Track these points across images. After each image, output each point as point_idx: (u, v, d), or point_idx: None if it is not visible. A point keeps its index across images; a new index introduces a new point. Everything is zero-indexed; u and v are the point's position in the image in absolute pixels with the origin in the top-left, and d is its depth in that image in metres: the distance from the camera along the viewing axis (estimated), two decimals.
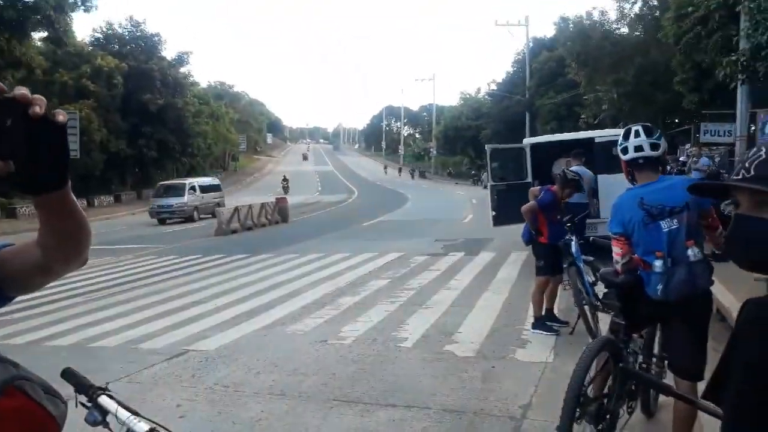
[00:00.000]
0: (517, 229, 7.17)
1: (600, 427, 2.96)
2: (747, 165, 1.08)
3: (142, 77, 37.23)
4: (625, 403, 3.23)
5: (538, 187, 7.30)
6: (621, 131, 3.47)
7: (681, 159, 15.26)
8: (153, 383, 5.00)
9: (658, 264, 3.00)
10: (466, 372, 4.90)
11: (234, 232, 18.71)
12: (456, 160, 60.12)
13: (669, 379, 3.30)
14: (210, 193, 26.95)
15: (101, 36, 40.14)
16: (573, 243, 5.81)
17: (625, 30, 22.15)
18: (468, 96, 56.88)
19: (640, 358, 3.48)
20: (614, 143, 3.92)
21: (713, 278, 3.08)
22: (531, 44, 38.26)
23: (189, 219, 24.63)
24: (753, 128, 13.66)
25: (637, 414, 3.52)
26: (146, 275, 11.15)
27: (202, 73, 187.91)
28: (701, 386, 2.89)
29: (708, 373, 1.64)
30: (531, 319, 6.10)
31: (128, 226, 23.86)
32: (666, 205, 3.01)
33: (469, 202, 27.65)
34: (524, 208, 6.05)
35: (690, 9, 13.56)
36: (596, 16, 22.34)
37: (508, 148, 12.28)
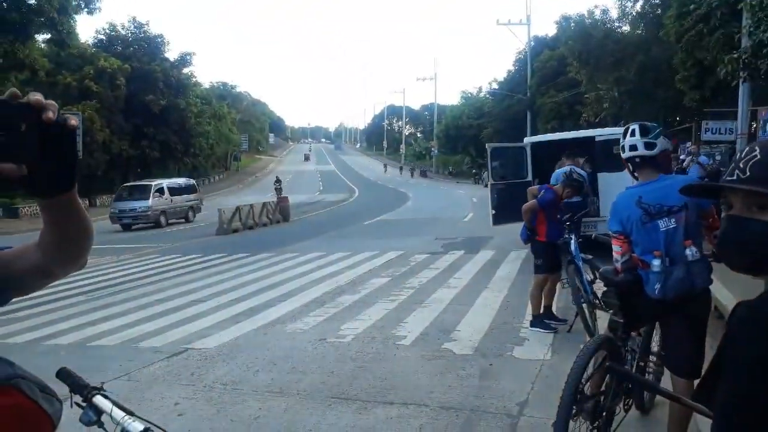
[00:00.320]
0: (518, 228, 7.16)
1: (596, 425, 2.96)
2: (741, 166, 1.05)
3: (145, 78, 37.34)
4: (621, 400, 3.23)
5: (537, 186, 7.29)
6: (621, 130, 3.47)
7: (681, 157, 15.22)
8: (152, 381, 5.01)
9: (656, 263, 2.99)
10: (463, 369, 4.90)
11: (235, 231, 18.74)
12: (457, 159, 60.06)
13: (667, 376, 3.29)
14: (182, 196, 24.65)
15: (104, 38, 40.28)
16: (572, 241, 5.81)
17: (626, 28, 22.08)
18: (469, 95, 56.89)
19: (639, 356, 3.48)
20: (615, 142, 3.91)
21: (712, 277, 3.07)
22: (532, 43, 38.18)
23: (156, 224, 22.59)
24: (754, 126, 13.63)
25: (633, 411, 3.51)
26: (147, 274, 11.17)
27: (205, 74, 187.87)
28: None
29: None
30: (529, 317, 6.10)
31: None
32: (664, 204, 3.00)
33: (469, 200, 27.64)
34: (525, 206, 6.05)
35: (692, 7, 13.52)
36: (598, 14, 22.29)
37: (508, 147, 12.29)
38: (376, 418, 3.99)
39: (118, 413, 1.28)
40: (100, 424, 1.30)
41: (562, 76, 30.69)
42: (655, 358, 3.68)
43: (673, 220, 2.98)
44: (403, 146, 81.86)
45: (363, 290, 8.47)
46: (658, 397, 3.76)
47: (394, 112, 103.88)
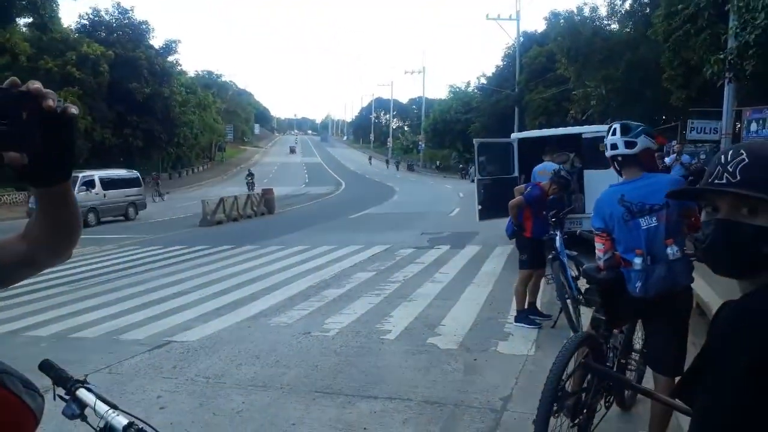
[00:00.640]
0: (503, 223, 7.18)
1: (577, 421, 2.98)
2: (730, 169, 1.04)
3: (128, 65, 36.77)
4: (602, 397, 3.26)
5: (524, 185, 7.32)
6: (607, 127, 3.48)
7: (666, 160, 15.36)
8: (134, 374, 4.96)
9: (637, 261, 3.01)
10: (448, 364, 4.91)
11: (219, 223, 18.60)
12: (445, 153, 60.08)
13: (649, 373, 3.32)
14: (120, 190, 21.86)
15: (87, 23, 39.51)
16: (557, 237, 5.84)
17: (615, 26, 22.18)
18: (458, 89, 56.74)
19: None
20: (601, 139, 3.93)
21: (694, 275, 3.10)
22: (522, 39, 38.23)
23: (84, 223, 19.59)
24: (738, 126, 13.79)
25: (614, 408, 3.54)
26: (129, 266, 11.05)
27: (190, 62, 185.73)
28: None
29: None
30: (514, 313, 6.13)
31: None
32: (646, 202, 3.01)
33: (456, 195, 27.72)
34: (512, 202, 6.08)
35: (680, 7, 13.61)
36: (587, 11, 22.33)
37: (495, 143, 12.30)
38: (360, 413, 3.99)
39: (102, 407, 1.27)
40: (84, 418, 1.28)
41: (550, 72, 30.76)
42: (637, 356, 3.71)
43: (654, 218, 3.00)
44: (390, 140, 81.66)
45: (348, 284, 8.45)
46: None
47: (381, 105, 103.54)
